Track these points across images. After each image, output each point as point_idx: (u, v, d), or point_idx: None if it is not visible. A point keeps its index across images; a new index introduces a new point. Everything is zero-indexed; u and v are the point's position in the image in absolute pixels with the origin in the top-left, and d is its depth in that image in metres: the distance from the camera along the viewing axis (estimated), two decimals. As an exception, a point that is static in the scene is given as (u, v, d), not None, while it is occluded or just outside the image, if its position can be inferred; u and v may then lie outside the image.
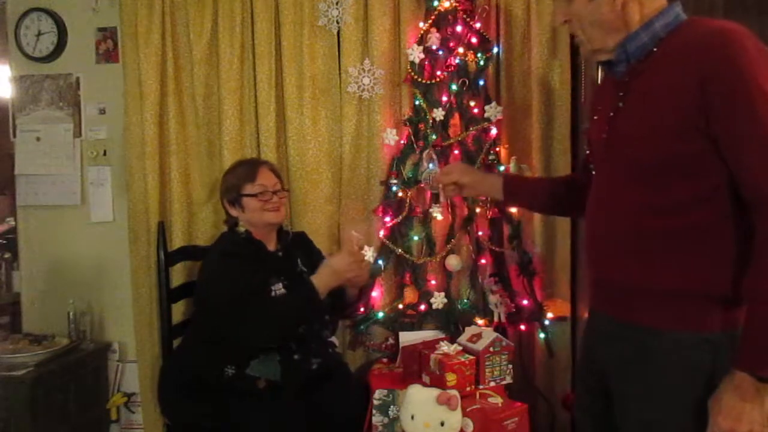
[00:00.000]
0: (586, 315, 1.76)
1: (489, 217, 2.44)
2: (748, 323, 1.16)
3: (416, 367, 2.14)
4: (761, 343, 1.14)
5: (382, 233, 2.45)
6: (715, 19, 1.24)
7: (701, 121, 1.16)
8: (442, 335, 2.33)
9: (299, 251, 2.27)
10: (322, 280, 2.01)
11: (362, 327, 2.46)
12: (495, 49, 2.46)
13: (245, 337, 1.96)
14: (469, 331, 2.24)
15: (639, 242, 1.28)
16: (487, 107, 2.39)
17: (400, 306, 2.45)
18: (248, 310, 1.94)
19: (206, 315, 2.11)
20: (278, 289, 2.08)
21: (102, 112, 2.79)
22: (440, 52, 2.39)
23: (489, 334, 2.15)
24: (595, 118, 1.44)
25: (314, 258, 2.29)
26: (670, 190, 1.23)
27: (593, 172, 1.43)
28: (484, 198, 2.39)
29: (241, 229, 2.16)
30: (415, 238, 2.44)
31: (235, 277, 1.99)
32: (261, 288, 2.04)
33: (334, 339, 2.33)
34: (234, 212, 2.17)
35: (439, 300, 2.38)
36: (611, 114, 1.33)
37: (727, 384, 1.16)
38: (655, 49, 1.26)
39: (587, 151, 1.53)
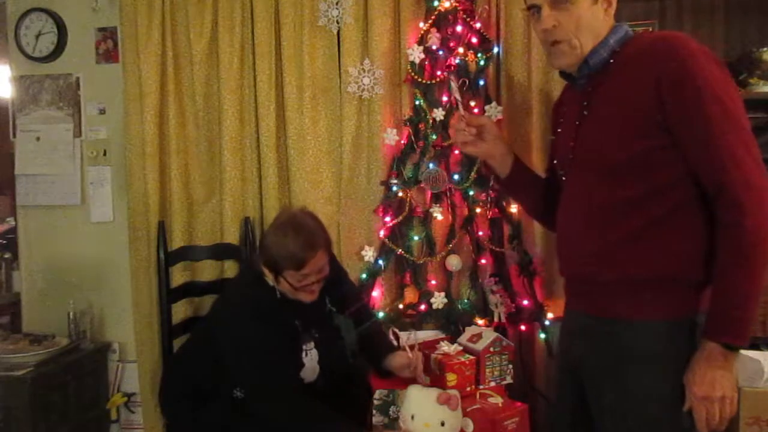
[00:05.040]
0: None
1: (489, 217, 2.44)
2: (716, 298, 1.27)
3: (416, 367, 2.13)
4: (732, 318, 1.25)
5: (382, 233, 2.45)
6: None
7: (659, 115, 1.29)
8: (442, 335, 2.33)
9: (328, 283, 2.01)
10: None
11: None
12: (495, 49, 2.46)
13: (269, 413, 1.86)
14: (470, 331, 2.24)
15: (611, 236, 1.38)
16: (487, 107, 2.39)
17: (401, 306, 2.45)
18: (285, 402, 1.84)
19: (232, 370, 1.93)
20: (309, 348, 1.97)
21: (102, 112, 2.79)
22: (440, 52, 2.39)
23: (489, 334, 2.15)
24: (559, 130, 1.56)
25: (341, 284, 2.12)
26: (638, 185, 1.33)
27: (563, 178, 1.53)
28: (484, 197, 2.40)
29: (270, 281, 1.94)
30: (416, 238, 2.44)
31: (269, 349, 1.85)
32: (293, 353, 1.93)
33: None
34: (267, 275, 1.94)
35: (439, 300, 2.38)
36: (577, 123, 1.45)
37: (699, 356, 1.29)
38: (611, 61, 1.40)
39: (554, 161, 1.61)
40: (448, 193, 2.42)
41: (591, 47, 1.42)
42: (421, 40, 2.41)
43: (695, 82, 1.25)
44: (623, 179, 1.35)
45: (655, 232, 1.33)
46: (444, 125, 2.41)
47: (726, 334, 1.26)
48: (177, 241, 2.58)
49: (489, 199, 2.41)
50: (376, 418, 2.03)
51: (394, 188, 2.44)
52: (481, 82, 2.41)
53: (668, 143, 1.30)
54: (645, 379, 1.34)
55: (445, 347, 2.11)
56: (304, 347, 1.96)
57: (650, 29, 2.53)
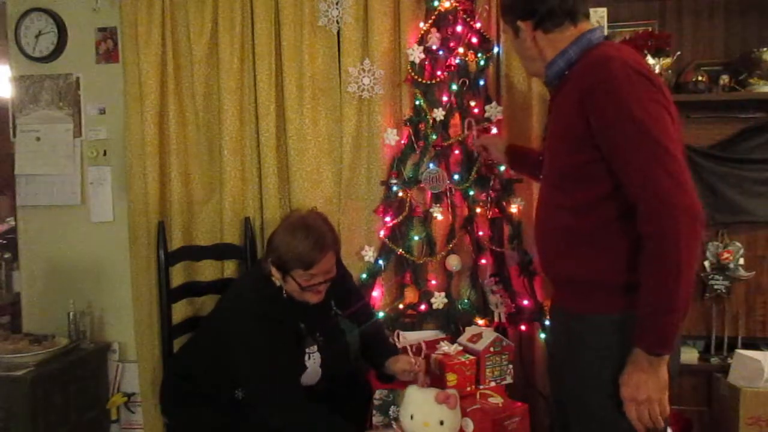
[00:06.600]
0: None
1: (489, 217, 2.44)
2: (640, 309, 1.33)
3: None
4: (651, 326, 1.32)
5: (382, 233, 2.45)
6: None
7: (587, 133, 1.36)
8: (442, 335, 2.33)
9: (333, 285, 2.01)
10: None
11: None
12: (495, 49, 2.46)
13: (270, 414, 1.85)
14: (470, 331, 2.24)
15: (557, 239, 1.50)
16: (487, 107, 2.40)
17: (401, 306, 2.45)
18: (286, 404, 1.83)
19: (237, 369, 1.92)
20: (312, 352, 1.97)
21: (102, 112, 2.79)
22: (440, 52, 2.39)
23: (489, 334, 2.15)
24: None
25: (345, 286, 2.14)
26: (575, 194, 1.43)
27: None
28: (484, 197, 2.40)
29: (277, 282, 1.95)
30: (416, 238, 2.44)
31: (274, 351, 1.85)
32: (297, 356, 1.93)
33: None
34: (274, 274, 1.94)
35: (439, 300, 2.38)
36: (546, 130, 1.63)
37: (629, 359, 1.36)
38: (567, 72, 1.47)
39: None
40: (448, 193, 2.42)
41: (532, 69, 1.59)
42: (421, 40, 2.41)
43: (614, 103, 1.31)
44: (563, 188, 1.46)
45: (588, 239, 1.42)
46: (444, 125, 2.41)
47: (647, 341, 1.33)
48: (177, 241, 2.58)
49: (489, 199, 2.41)
50: (376, 418, 2.03)
51: (394, 188, 2.44)
52: (481, 82, 2.41)
53: (599, 158, 1.36)
54: (597, 368, 1.42)
55: (445, 347, 2.11)
56: (307, 350, 1.96)
57: (650, 29, 2.53)
